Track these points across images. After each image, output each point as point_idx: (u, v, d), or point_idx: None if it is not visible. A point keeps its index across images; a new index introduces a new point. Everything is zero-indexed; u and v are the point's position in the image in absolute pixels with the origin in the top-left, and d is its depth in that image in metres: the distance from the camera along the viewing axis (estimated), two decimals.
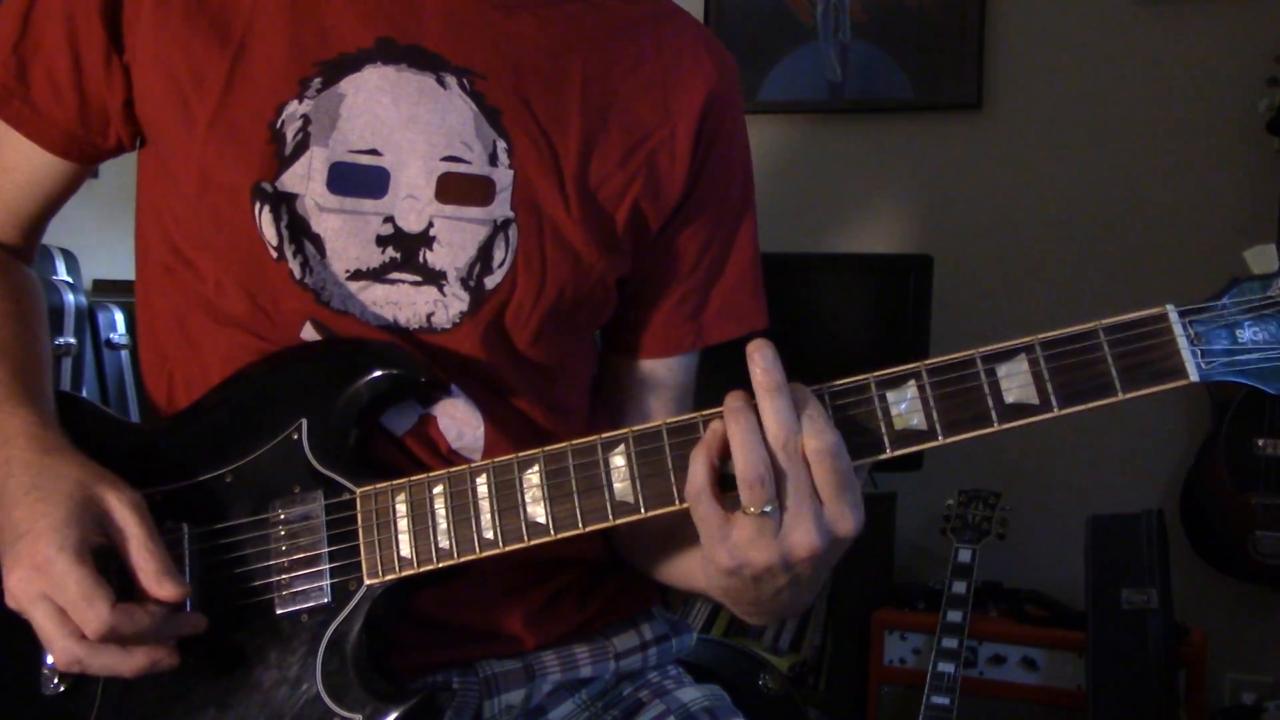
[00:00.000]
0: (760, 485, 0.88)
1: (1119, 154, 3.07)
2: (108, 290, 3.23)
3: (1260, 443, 2.68)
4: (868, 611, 2.87)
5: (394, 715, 0.95)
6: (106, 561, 0.96)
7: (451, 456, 1.08)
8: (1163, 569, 2.60)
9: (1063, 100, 3.12)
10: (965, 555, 2.64)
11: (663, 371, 1.21)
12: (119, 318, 3.01)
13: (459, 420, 1.08)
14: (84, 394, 2.87)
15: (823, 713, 2.83)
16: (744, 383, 0.91)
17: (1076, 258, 3.06)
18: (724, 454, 0.90)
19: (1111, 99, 3.08)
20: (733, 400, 0.90)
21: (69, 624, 0.94)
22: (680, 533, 1.08)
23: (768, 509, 0.88)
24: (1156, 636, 2.55)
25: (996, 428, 0.89)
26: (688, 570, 1.10)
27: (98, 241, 2.91)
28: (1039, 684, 2.73)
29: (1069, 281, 3.06)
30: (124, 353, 3.00)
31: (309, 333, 1.07)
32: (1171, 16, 3.03)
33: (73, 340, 2.86)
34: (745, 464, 0.88)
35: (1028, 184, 3.15)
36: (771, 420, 0.89)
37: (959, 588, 2.59)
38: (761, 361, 0.89)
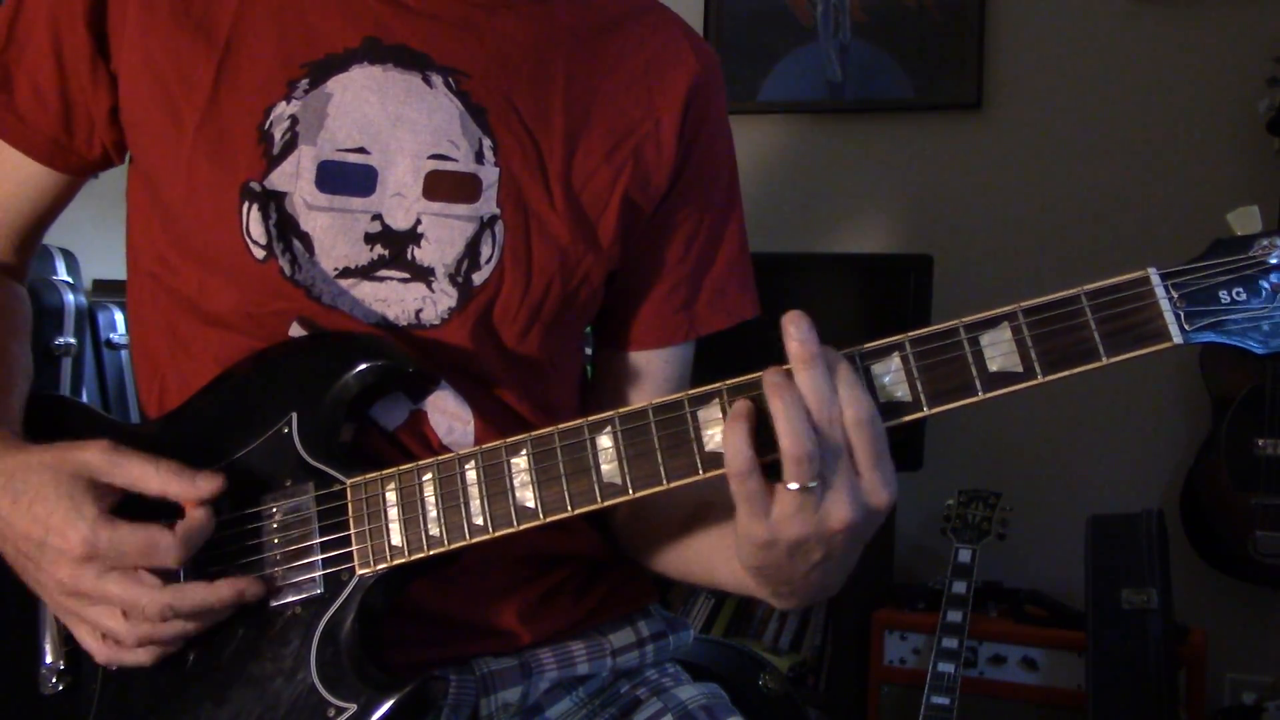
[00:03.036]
0: (809, 461, 0.86)
1: (1119, 154, 3.07)
2: (108, 290, 3.23)
3: (1260, 443, 2.68)
4: (868, 611, 2.87)
5: (388, 704, 0.95)
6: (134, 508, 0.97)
7: (443, 451, 1.08)
8: (1163, 569, 2.60)
9: (1063, 100, 3.12)
10: (965, 555, 2.64)
11: (657, 363, 1.21)
12: (119, 318, 3.02)
13: (449, 415, 1.09)
14: (84, 394, 2.88)
15: (823, 713, 2.83)
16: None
17: (1076, 257, 3.06)
18: (754, 427, 0.89)
19: (1111, 99, 3.08)
20: (772, 375, 0.88)
21: (145, 578, 0.95)
22: (697, 523, 1.09)
23: (811, 484, 0.87)
24: (1156, 636, 2.55)
25: (981, 397, 0.89)
26: (708, 561, 1.09)
27: (98, 241, 2.91)
28: (1039, 684, 2.73)
29: (1068, 281, 3.03)
30: (124, 353, 3.00)
31: (296, 331, 1.08)
32: (1171, 16, 3.03)
33: (73, 340, 2.87)
34: (793, 440, 0.86)
35: (1028, 184, 3.15)
36: (811, 392, 0.87)
37: (959, 588, 2.60)
38: (797, 332, 0.88)
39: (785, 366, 0.89)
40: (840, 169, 3.33)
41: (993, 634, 2.76)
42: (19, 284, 1.22)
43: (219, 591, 0.97)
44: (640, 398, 1.20)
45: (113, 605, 0.96)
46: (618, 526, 1.21)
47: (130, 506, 0.98)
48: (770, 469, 0.89)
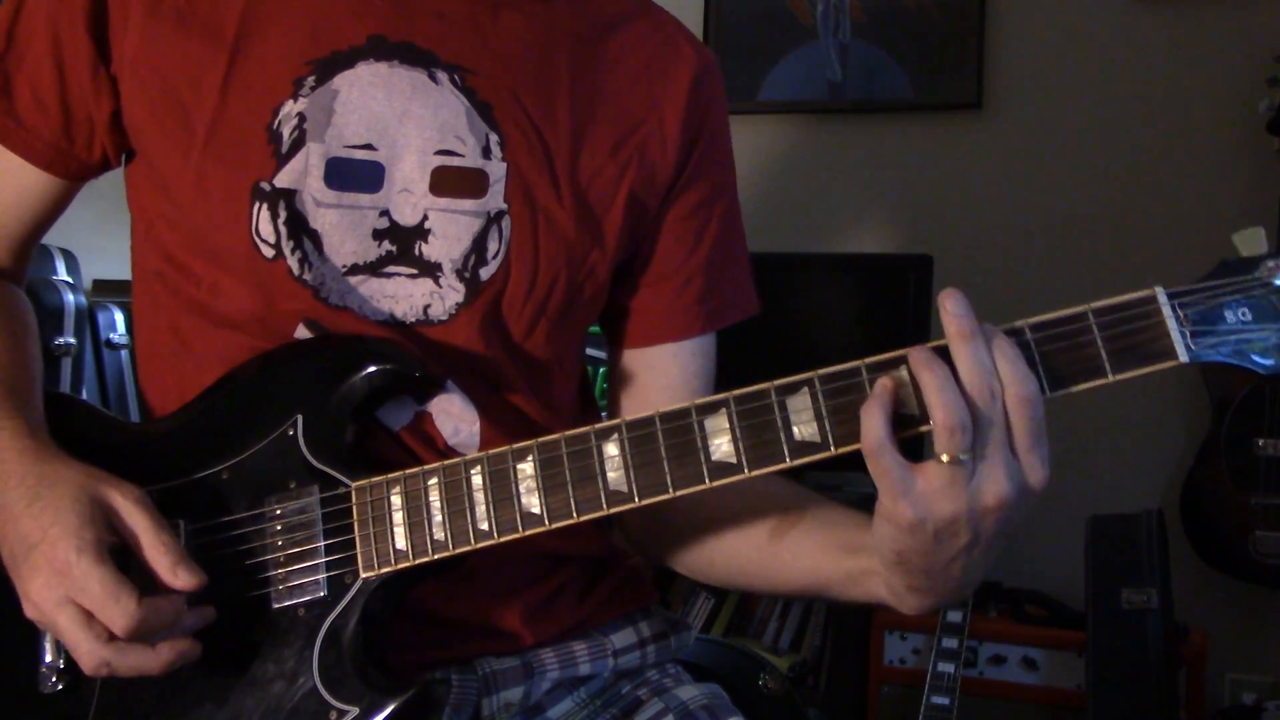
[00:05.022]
0: (961, 431, 0.85)
1: (1119, 154, 3.07)
2: (108, 290, 3.23)
3: (1260, 443, 2.68)
4: (868, 611, 2.87)
5: (391, 707, 0.95)
6: (123, 559, 0.96)
7: (448, 452, 1.08)
8: (1163, 569, 2.60)
9: (1063, 100, 3.12)
10: None
11: (680, 358, 1.21)
12: (119, 318, 3.02)
13: (454, 416, 1.09)
14: (84, 394, 2.87)
15: (823, 713, 2.82)
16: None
17: (1076, 258, 3.06)
18: (895, 407, 0.88)
19: (1111, 99, 3.08)
20: (919, 352, 0.87)
21: (95, 627, 0.93)
22: (796, 526, 1.08)
23: (963, 457, 0.86)
24: (1156, 636, 2.54)
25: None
26: (813, 564, 1.07)
27: (98, 241, 2.91)
28: (1039, 684, 2.73)
29: (1069, 281, 3.06)
30: (124, 353, 3.00)
31: (303, 333, 1.08)
32: (1171, 16, 3.03)
33: (73, 340, 2.87)
34: (945, 410, 0.85)
35: (1028, 184, 3.15)
36: (969, 366, 0.86)
37: None
38: (954, 307, 0.87)
39: (931, 345, 0.88)
40: (840, 169, 3.33)
41: (993, 634, 2.76)
42: (18, 288, 1.22)
43: (160, 657, 0.95)
44: (665, 395, 1.20)
45: (61, 636, 0.95)
46: (669, 537, 1.19)
47: (130, 562, 0.97)
48: (908, 449, 0.88)
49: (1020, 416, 0.87)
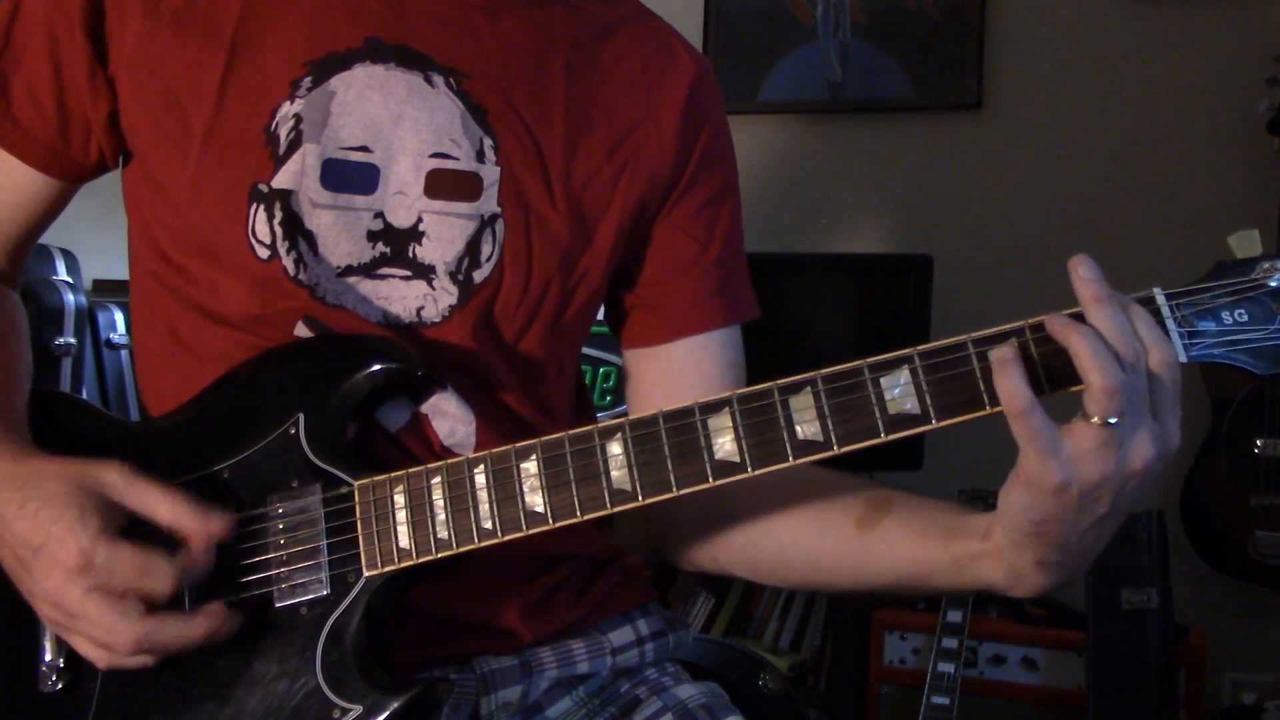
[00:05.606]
0: (1118, 393, 0.84)
1: (1119, 154, 3.07)
2: (108, 290, 3.23)
3: (1260, 443, 2.68)
4: (868, 611, 2.87)
5: (394, 706, 0.95)
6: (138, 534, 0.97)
7: (444, 453, 1.09)
8: (1163, 569, 2.60)
9: (1063, 100, 3.12)
10: None
11: (702, 351, 1.21)
12: (119, 318, 3.02)
13: (451, 417, 1.09)
14: (84, 394, 2.87)
15: (823, 713, 2.82)
16: None
17: None
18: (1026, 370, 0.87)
19: (1111, 99, 3.08)
20: (1057, 318, 0.88)
21: (127, 605, 0.94)
22: (888, 515, 1.07)
23: (1113, 420, 0.85)
24: (1156, 636, 2.54)
25: (989, 410, 0.89)
26: (912, 553, 1.05)
27: (98, 241, 2.90)
28: (1039, 684, 2.73)
29: (1069, 281, 3.06)
30: (124, 353, 3.00)
31: (302, 330, 1.08)
32: (1171, 16, 3.03)
33: (72, 340, 2.87)
34: (1100, 372, 0.84)
35: (1028, 184, 3.15)
36: (1112, 329, 0.86)
37: None
38: (1087, 272, 0.88)
39: (1065, 312, 0.88)
40: (840, 169, 3.33)
41: (993, 634, 2.76)
42: (12, 290, 1.22)
43: (195, 626, 0.96)
44: (700, 389, 1.16)
45: (91, 627, 0.95)
46: (728, 542, 1.17)
47: (133, 534, 0.97)
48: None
49: (1164, 379, 0.87)
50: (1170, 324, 0.88)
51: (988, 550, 0.98)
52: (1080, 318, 0.88)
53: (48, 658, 1.02)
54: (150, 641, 0.95)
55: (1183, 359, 0.88)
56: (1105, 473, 0.87)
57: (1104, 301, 0.87)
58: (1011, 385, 0.86)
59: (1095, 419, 0.85)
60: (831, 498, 1.11)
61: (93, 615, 0.94)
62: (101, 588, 0.94)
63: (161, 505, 0.97)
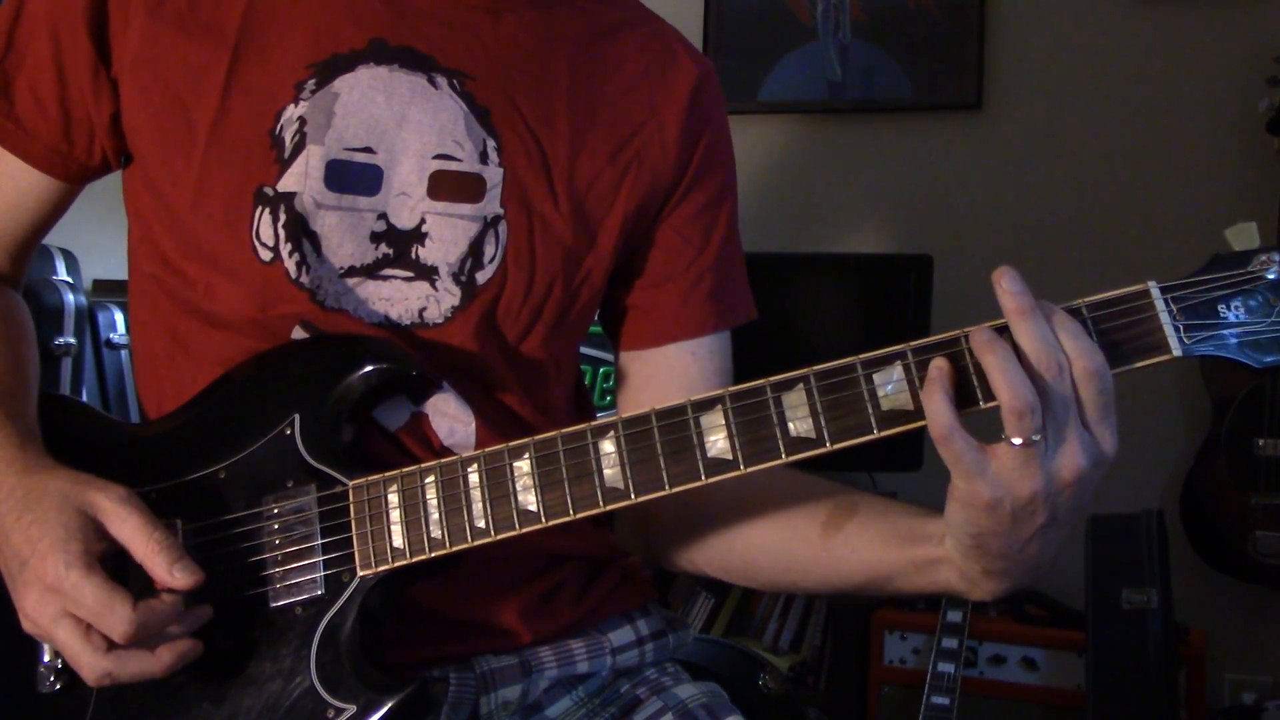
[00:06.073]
0: (1030, 413, 0.84)
1: (1119, 154, 3.07)
2: (108, 290, 3.23)
3: (1260, 443, 2.67)
4: (868, 611, 2.87)
5: (388, 705, 0.95)
6: (119, 563, 0.96)
7: (444, 452, 1.09)
8: (1163, 569, 2.60)
9: (1063, 100, 3.12)
10: None
11: (702, 354, 1.21)
12: (119, 318, 3.02)
13: (450, 417, 1.09)
14: (84, 394, 2.88)
15: (823, 713, 2.83)
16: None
17: (1076, 258, 3.06)
18: (953, 389, 0.86)
19: (1111, 99, 3.08)
20: (980, 333, 0.87)
21: (93, 638, 0.93)
22: (851, 519, 1.07)
23: (1035, 438, 0.84)
24: (1156, 636, 2.54)
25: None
26: (874, 556, 1.05)
27: (98, 241, 2.91)
28: (1039, 684, 2.73)
29: (1068, 282, 3.04)
30: (124, 353, 3.01)
31: (299, 335, 1.08)
32: (1171, 16, 3.03)
33: (73, 340, 2.87)
34: (1011, 393, 0.84)
35: (1028, 184, 3.15)
36: (1032, 343, 0.85)
37: None
38: (1010, 285, 0.87)
39: (990, 324, 0.87)
40: (840, 169, 3.33)
41: (993, 634, 2.76)
42: (16, 291, 1.22)
43: (161, 660, 0.95)
44: (683, 394, 1.19)
45: (61, 649, 0.95)
46: (702, 542, 1.17)
47: (126, 560, 0.97)
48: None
49: (1090, 390, 0.86)
50: (1165, 318, 0.87)
51: (943, 556, 0.98)
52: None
53: (46, 658, 1.02)
54: (113, 677, 0.94)
55: (1178, 353, 0.87)
56: (1034, 489, 0.86)
57: (1026, 314, 0.86)
58: (935, 408, 0.86)
59: (1015, 440, 0.85)
60: (799, 502, 1.10)
61: (60, 639, 0.94)
62: (70, 614, 0.94)
63: (136, 541, 0.96)
